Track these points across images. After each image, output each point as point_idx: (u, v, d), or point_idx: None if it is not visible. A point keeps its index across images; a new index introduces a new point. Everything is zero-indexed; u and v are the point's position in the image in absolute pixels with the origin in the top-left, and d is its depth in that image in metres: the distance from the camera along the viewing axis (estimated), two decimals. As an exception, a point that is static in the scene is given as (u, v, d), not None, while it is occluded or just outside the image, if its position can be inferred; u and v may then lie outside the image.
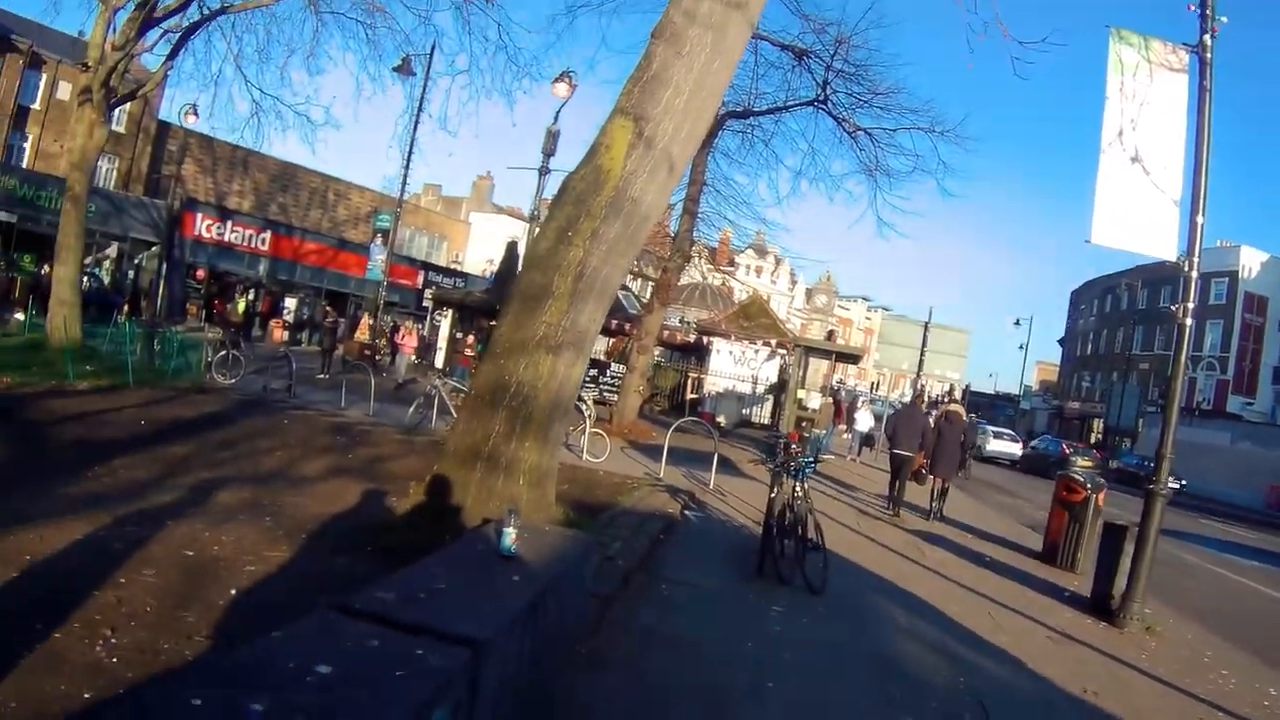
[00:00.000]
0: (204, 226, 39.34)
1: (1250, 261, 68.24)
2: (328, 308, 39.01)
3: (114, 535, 7.50)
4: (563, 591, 5.76)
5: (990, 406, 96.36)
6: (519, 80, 72.28)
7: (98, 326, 23.19)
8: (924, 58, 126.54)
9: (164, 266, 35.10)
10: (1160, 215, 11.19)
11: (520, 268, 10.64)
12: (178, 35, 22.06)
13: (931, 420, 19.30)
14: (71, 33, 38.09)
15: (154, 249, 36.83)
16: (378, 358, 32.71)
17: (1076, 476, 15.09)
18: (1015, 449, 51.21)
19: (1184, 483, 39.69)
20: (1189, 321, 11.06)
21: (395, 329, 34.21)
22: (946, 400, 33.91)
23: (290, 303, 43.39)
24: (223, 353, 22.41)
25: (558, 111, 24.31)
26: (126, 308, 33.01)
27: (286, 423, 16.52)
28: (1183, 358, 11.27)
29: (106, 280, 35.67)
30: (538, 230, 11.85)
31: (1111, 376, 77.12)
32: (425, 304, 46.24)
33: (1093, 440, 69.55)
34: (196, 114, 30.09)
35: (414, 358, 31.98)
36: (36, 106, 39.33)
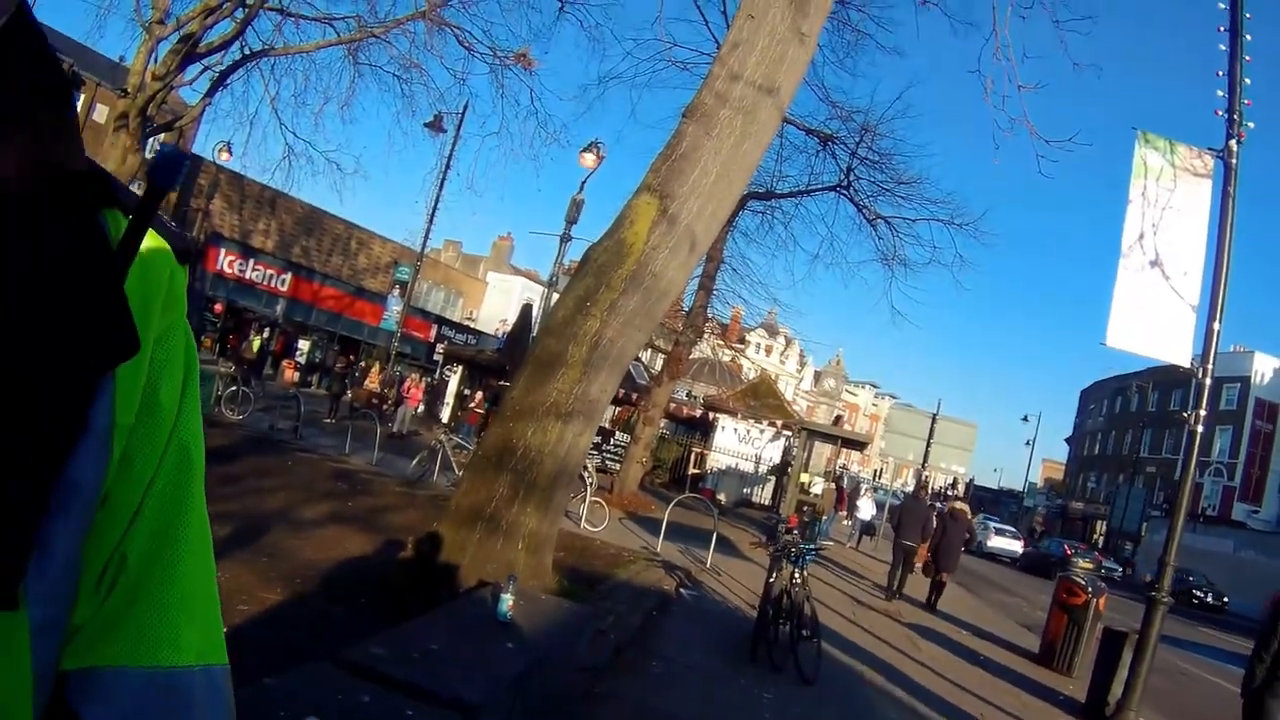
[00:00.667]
0: (226, 262, 39.50)
1: (1263, 368, 68.17)
2: (339, 353, 39.11)
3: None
4: (555, 661, 5.74)
5: (994, 502, 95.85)
6: (547, 146, 72.90)
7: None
8: (948, 149, 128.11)
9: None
10: (1177, 320, 11.15)
11: (536, 333, 10.71)
12: (218, 72, 22.37)
13: (934, 514, 19.42)
14: (113, 57, 38.52)
15: (175, 280, 36.99)
16: (385, 407, 32.74)
17: (1078, 579, 15.00)
18: (1016, 546, 50.96)
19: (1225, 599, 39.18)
20: (1200, 429, 10.99)
21: (402, 380, 34.22)
22: (951, 496, 33.77)
23: (304, 344, 43.50)
24: (233, 388, 22.50)
25: (584, 180, 24.49)
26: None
27: (290, 464, 16.54)
28: (1192, 464, 11.17)
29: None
30: (556, 298, 11.90)
31: (1118, 478, 76.86)
32: (436, 358, 46.34)
33: (1095, 541, 69.12)
34: (230, 151, 30.41)
35: (418, 410, 31.96)
36: (72, 127, 39.56)
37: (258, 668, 5.03)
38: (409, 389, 29.45)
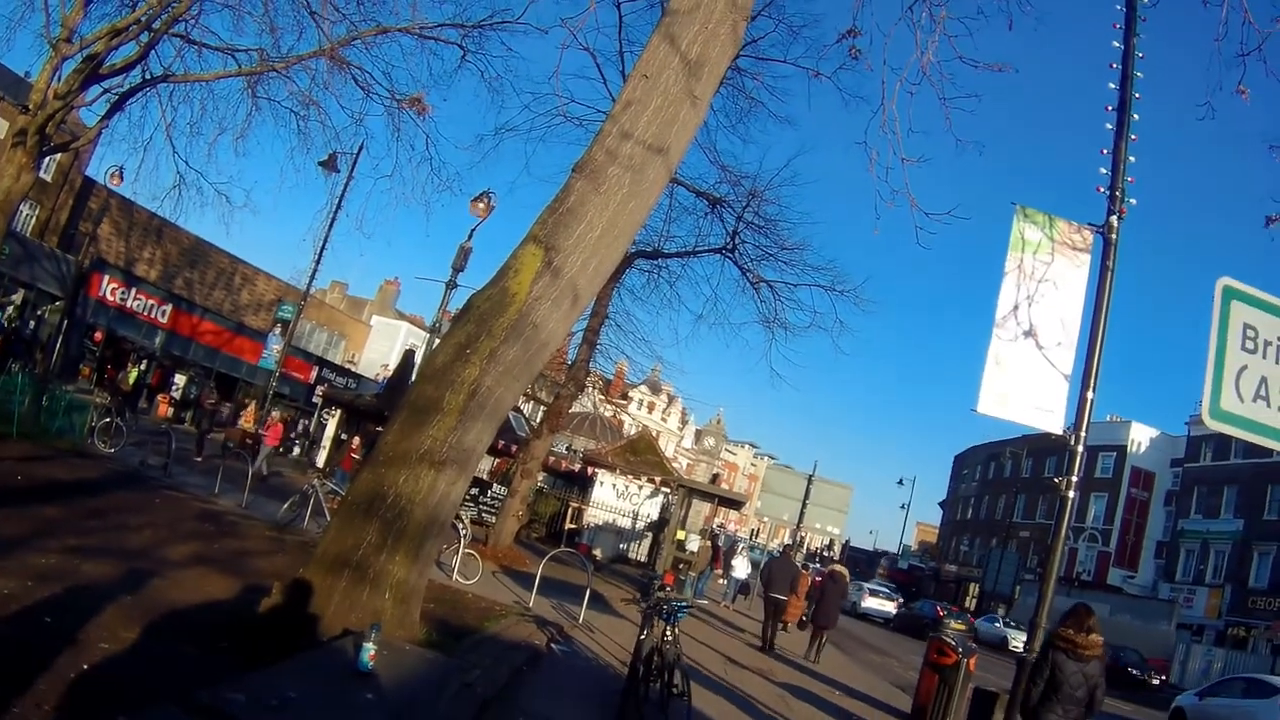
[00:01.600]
0: (109, 289, 38.49)
1: (1140, 437, 70.42)
2: (211, 389, 38.41)
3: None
4: (416, 715, 5.65)
5: (869, 564, 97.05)
6: (439, 193, 72.60)
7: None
8: (832, 217, 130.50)
9: (64, 323, 34.40)
10: (1050, 389, 11.33)
11: (414, 379, 10.58)
12: (118, 95, 22.02)
13: (807, 572, 20.25)
14: (18, 72, 37.62)
15: (57, 303, 36.03)
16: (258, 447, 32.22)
17: (948, 639, 15.17)
18: (890, 607, 51.59)
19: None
20: (1072, 495, 11.15)
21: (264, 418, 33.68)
22: (828, 557, 34.33)
23: (180, 379, 42.59)
24: (107, 419, 22.01)
25: (473, 229, 24.47)
26: (25, 361, 32.24)
27: (158, 502, 16.18)
28: (1063, 529, 11.32)
29: (7, 326, 34.80)
30: (436, 343, 11.82)
31: (991, 542, 78.37)
32: (315, 400, 45.74)
33: (968, 604, 70.32)
34: (122, 176, 29.76)
35: (279, 449, 31.33)
36: (-32, 139, 38.49)
37: (113, 707, 4.90)
38: (269, 426, 28.84)
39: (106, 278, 38.60)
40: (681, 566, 25.55)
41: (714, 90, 10.68)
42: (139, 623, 7.82)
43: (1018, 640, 43.29)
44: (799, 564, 25.79)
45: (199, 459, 25.35)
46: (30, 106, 20.04)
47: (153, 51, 21.62)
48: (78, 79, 20.24)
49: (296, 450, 42.77)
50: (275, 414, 28.98)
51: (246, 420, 34.72)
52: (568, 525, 36.17)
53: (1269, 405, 6.21)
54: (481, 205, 23.32)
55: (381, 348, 64.65)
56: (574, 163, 9.52)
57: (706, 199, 25.68)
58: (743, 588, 31.46)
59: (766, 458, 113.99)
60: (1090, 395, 11.12)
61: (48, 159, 31.57)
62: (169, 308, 41.24)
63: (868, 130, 14.83)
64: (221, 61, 22.74)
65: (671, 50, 9.55)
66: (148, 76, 22.02)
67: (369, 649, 5.40)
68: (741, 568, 31.30)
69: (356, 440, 29.26)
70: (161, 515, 14.71)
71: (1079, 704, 8.92)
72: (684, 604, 11.28)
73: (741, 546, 41.06)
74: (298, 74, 22.75)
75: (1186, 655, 46.58)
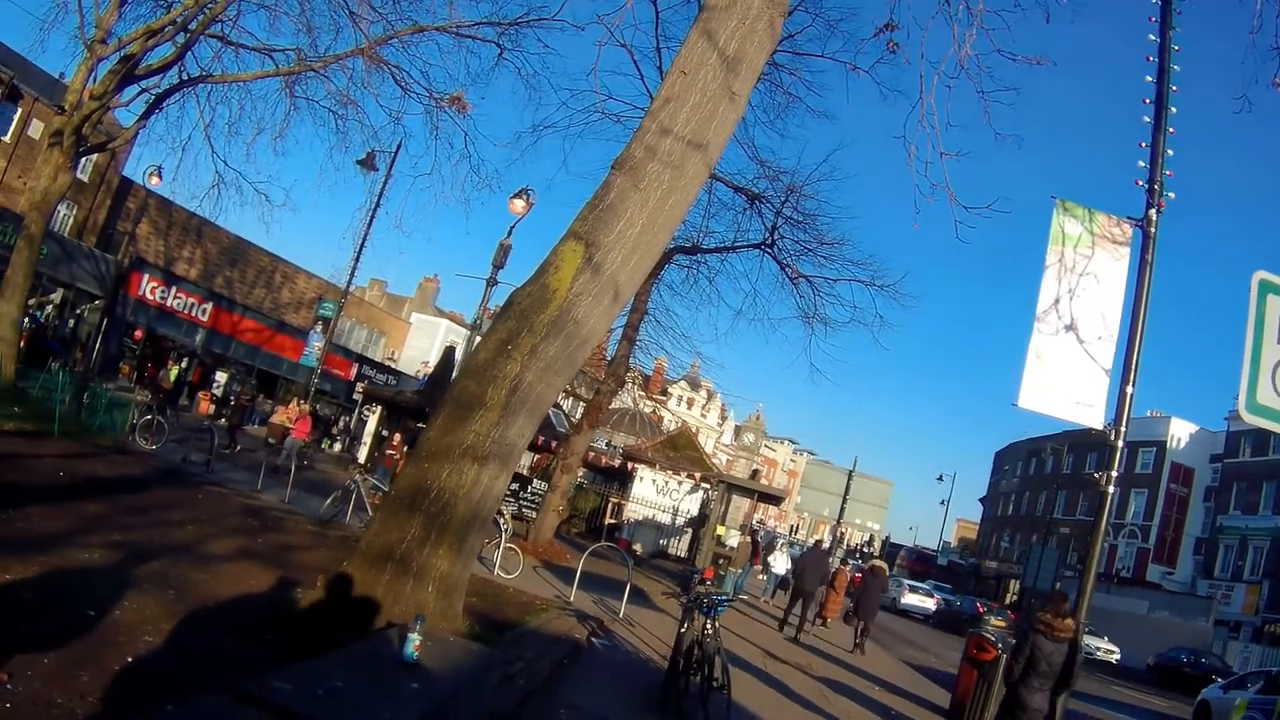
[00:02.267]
0: (149, 288, 38.84)
1: (1179, 433, 69.66)
2: (246, 388, 38.57)
3: (20, 584, 7.50)
4: (461, 705, 5.70)
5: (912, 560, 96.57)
6: (478, 190, 72.80)
7: (30, 370, 22.90)
8: (871, 212, 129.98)
9: (104, 321, 34.65)
10: (1090, 383, 11.28)
11: (456, 374, 10.63)
12: (154, 95, 22.23)
13: (846, 568, 20.57)
14: (54, 73, 37.98)
15: (97, 302, 36.29)
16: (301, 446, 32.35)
17: (988, 635, 15.11)
18: (929, 603, 51.36)
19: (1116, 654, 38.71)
20: (1112, 490, 11.08)
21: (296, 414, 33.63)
22: (869, 554, 34.40)
23: (221, 377, 42.86)
24: (148, 417, 22.17)
25: (512, 226, 24.46)
26: (64, 359, 32.53)
27: (200, 498, 16.29)
28: (1103, 525, 11.29)
29: (45, 324, 35.14)
30: (478, 340, 11.86)
31: (1031, 538, 77.78)
32: (355, 397, 45.95)
33: (1008, 600, 69.83)
34: (160, 176, 30.01)
35: (307, 442, 31.13)
36: (6, 139, 38.75)
37: (159, 698, 4.97)
38: (297, 420, 28.12)
39: (146, 276, 38.94)
40: (721, 562, 25.53)
41: (752, 86, 10.68)
42: (182, 616, 7.91)
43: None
44: (836, 560, 26.17)
45: (227, 451, 25.40)
46: (66, 107, 20.32)
47: (189, 52, 21.88)
48: (113, 80, 20.46)
49: (338, 446, 43.02)
50: (300, 405, 28.58)
51: (287, 416, 34.91)
52: (608, 520, 36.12)
53: (1305, 399, 6.15)
54: (520, 202, 23.34)
55: (421, 345, 64.84)
56: (613, 159, 9.55)
57: (745, 194, 25.63)
58: (782, 583, 31.36)
59: (806, 453, 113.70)
60: (1130, 390, 11.05)
61: (85, 159, 31.87)
62: (209, 306, 41.57)
63: (906, 124, 14.83)
64: (259, 62, 22.98)
65: (709, 46, 9.56)
66: (185, 77, 22.27)
67: (414, 640, 5.44)
68: (780, 563, 31.20)
69: (398, 437, 29.35)
70: (204, 511, 14.84)
71: (1053, 678, 9.95)
72: (724, 598, 11.30)
73: (781, 542, 40.96)
74: (335, 73, 22.96)
75: (1224, 652, 46.15)
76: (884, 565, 23.55)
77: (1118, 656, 43.70)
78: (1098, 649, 43.46)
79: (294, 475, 20.19)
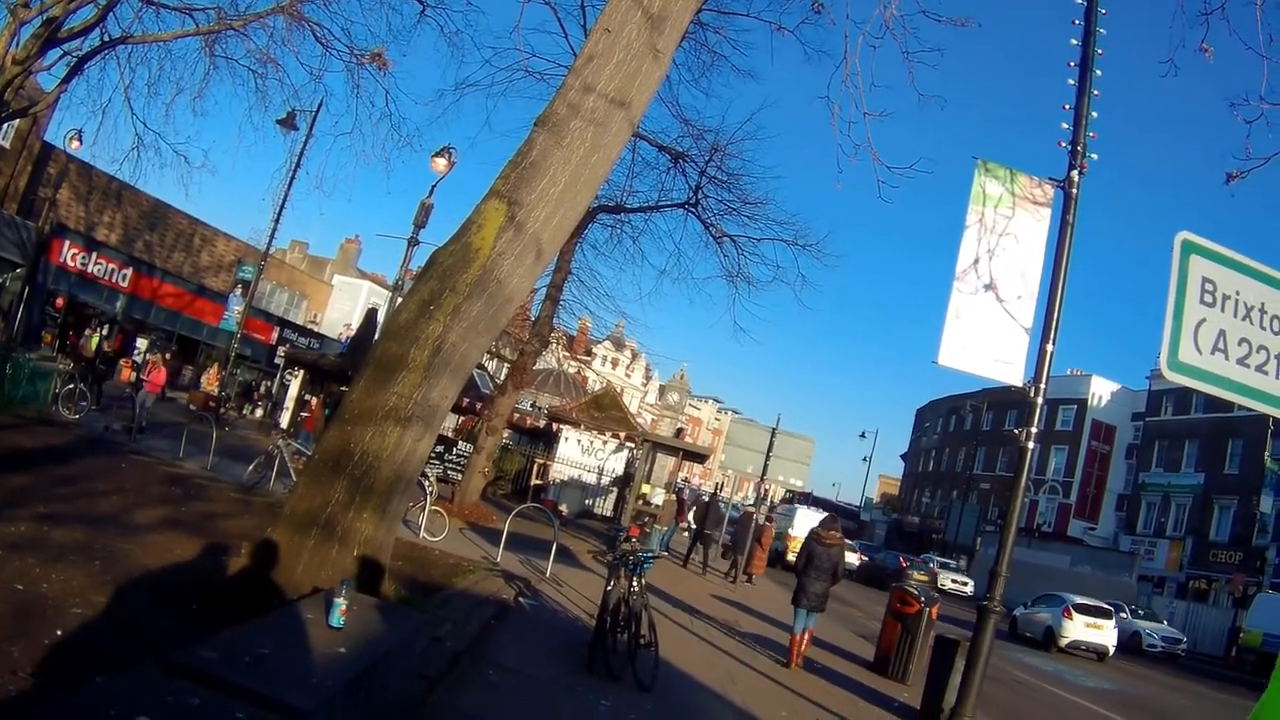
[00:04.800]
0: (70, 255, 37.89)
1: (1100, 391, 71.13)
2: (85, 338, 37.82)
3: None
4: (389, 669, 5.71)
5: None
6: (400, 149, 72.05)
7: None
8: (795, 172, 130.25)
9: (25, 290, 33.98)
10: (1010, 342, 11.39)
11: (378, 336, 10.57)
12: (76, 58, 21.79)
13: (771, 524, 21.99)
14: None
15: (18, 270, 35.54)
16: (223, 410, 31.97)
17: (911, 590, 15.37)
18: (852, 559, 52.04)
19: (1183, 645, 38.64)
20: (1031, 446, 11.24)
21: (144, 363, 32.45)
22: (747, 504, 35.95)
23: (142, 343, 42.18)
24: (70, 386, 21.85)
25: (434, 185, 24.29)
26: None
27: (124, 467, 16.14)
28: (1023, 480, 11.42)
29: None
30: (400, 300, 11.80)
31: (952, 494, 79.09)
32: (277, 361, 45.51)
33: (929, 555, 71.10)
34: (81, 140, 29.45)
35: (161, 396, 29.31)
36: (-73, 107, 37.76)
37: (88, 670, 4.94)
38: (149, 371, 25.34)
39: (67, 243, 38.07)
40: (647, 520, 25.73)
41: (676, 44, 10.66)
42: (111, 587, 7.85)
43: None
44: (761, 516, 28.34)
45: (88, 406, 23.57)
46: (-12, 73, 19.84)
47: (111, 13, 21.39)
48: (36, 44, 20.05)
49: (260, 411, 42.58)
50: (154, 356, 27.22)
51: (209, 383, 34.46)
52: (533, 481, 36.18)
53: (1227, 358, 6.27)
54: (442, 161, 23.19)
55: (344, 307, 64.18)
56: (536, 117, 9.50)
57: (669, 154, 25.61)
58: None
59: (730, 412, 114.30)
60: (1050, 348, 11.21)
61: (6, 125, 31.14)
62: (129, 271, 40.78)
63: (830, 84, 14.83)
64: (179, 21, 22.52)
65: (634, 4, 9.50)
66: (106, 39, 21.82)
67: (340, 604, 5.44)
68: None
69: (315, 400, 29.14)
70: (128, 480, 14.70)
71: (827, 574, 14.08)
72: (650, 555, 11.39)
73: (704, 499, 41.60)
74: (255, 32, 22.57)
75: (1148, 607, 47.22)
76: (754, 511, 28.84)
77: (970, 589, 48.99)
78: (952, 582, 50.81)
79: (135, 423, 20.07)
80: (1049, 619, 29.74)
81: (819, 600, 13.93)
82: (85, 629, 6.71)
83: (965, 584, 51.95)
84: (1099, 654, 28.62)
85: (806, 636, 14.16)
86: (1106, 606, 30.12)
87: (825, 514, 19.13)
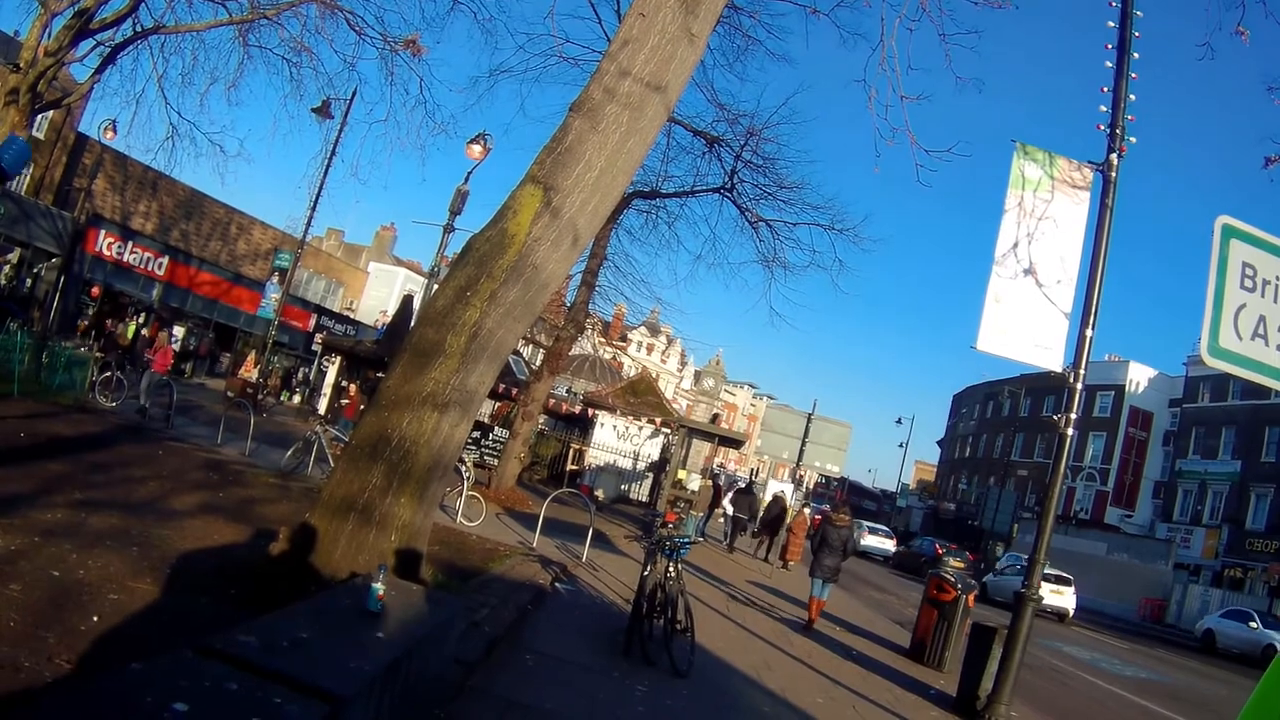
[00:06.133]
0: (106, 244, 38.21)
1: (1138, 377, 70.44)
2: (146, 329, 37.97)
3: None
4: (426, 654, 5.71)
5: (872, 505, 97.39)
6: (434, 136, 72.42)
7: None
8: (831, 156, 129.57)
9: (62, 279, 34.25)
10: (1049, 326, 11.30)
11: (414, 322, 10.56)
12: (109, 48, 21.91)
13: (806, 510, 22.77)
14: (8, 31, 37.33)
15: (54, 260, 35.85)
16: (261, 397, 32.13)
17: (948, 576, 15.29)
18: (889, 545, 51.87)
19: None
20: (1070, 432, 11.16)
21: (149, 341, 32.08)
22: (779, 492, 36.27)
23: (179, 331, 42.49)
24: (107, 374, 21.98)
25: (469, 172, 24.29)
26: (22, 319, 32.05)
27: (162, 453, 16.22)
28: (1062, 467, 11.32)
29: (3, 284, 34.66)
30: (436, 287, 11.79)
31: (989, 480, 78.65)
32: (314, 347, 45.72)
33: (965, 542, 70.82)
34: (115, 130, 29.62)
35: (167, 375, 28.29)
36: (-39, 98, 38.03)
37: (125, 655, 4.96)
38: (156, 349, 26.28)
39: (103, 232, 38.38)
40: (682, 505, 25.71)
41: (711, 27, 10.60)
42: (148, 573, 7.89)
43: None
44: (797, 503, 28.36)
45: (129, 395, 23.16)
46: (21, 65, 20.00)
47: (143, 3, 21.49)
48: (68, 35, 20.18)
49: (298, 398, 42.80)
50: (163, 334, 26.79)
51: (247, 369, 34.63)
52: (569, 467, 36.20)
53: (1267, 344, 6.16)
54: (478, 148, 23.18)
55: (380, 294, 64.37)
56: (571, 102, 9.46)
57: (704, 138, 25.53)
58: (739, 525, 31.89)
59: (766, 397, 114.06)
60: (1089, 333, 11.12)
61: (40, 116, 31.38)
62: (166, 260, 41.06)
63: (866, 68, 14.83)
64: (212, 11, 22.65)
65: (668, -13, 9.47)
66: (138, 29, 21.93)
67: (377, 589, 5.44)
68: (730, 506, 31.68)
69: (353, 386, 29.24)
70: (166, 466, 14.77)
71: (838, 550, 16.11)
72: (686, 540, 11.36)
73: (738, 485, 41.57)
74: (288, 20, 22.66)
75: (1184, 595, 46.82)
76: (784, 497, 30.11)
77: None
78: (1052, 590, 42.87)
79: (252, 429, 20.07)
80: (1017, 585, 29.46)
81: (831, 572, 16.27)
82: (122, 615, 6.72)
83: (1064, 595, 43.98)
84: (1060, 615, 33.11)
85: (818, 605, 16.45)
86: (1067, 575, 34.25)
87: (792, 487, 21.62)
